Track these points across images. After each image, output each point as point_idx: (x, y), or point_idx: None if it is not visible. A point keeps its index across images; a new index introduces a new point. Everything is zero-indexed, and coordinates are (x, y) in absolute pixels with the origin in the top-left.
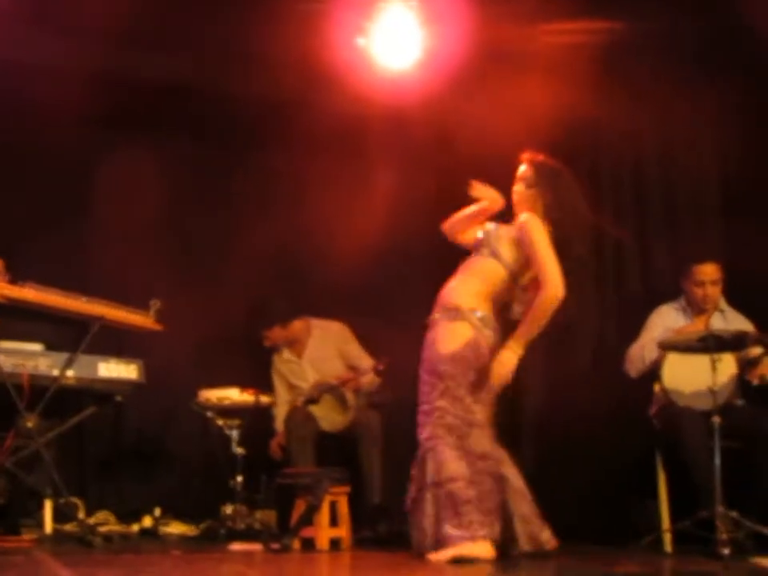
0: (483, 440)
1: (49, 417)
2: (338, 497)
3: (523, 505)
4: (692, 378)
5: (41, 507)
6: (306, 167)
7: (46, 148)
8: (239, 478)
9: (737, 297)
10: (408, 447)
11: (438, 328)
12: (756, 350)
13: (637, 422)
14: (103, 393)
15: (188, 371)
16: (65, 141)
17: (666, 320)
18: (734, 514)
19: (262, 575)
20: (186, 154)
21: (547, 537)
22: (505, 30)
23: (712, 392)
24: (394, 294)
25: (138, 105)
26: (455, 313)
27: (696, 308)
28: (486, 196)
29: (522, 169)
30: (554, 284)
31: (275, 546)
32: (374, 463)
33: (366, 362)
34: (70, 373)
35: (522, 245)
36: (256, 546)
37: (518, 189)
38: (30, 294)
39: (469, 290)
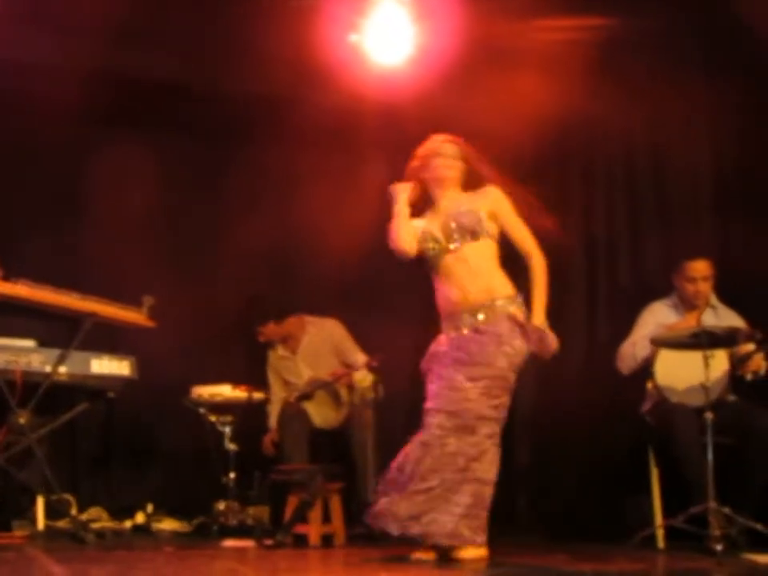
0: None
1: (41, 413)
2: (331, 493)
3: None
4: (684, 374)
5: (33, 504)
6: (298, 163)
7: (39, 145)
8: (232, 475)
9: (727, 293)
10: (402, 444)
11: (494, 327)
12: (748, 346)
13: (629, 419)
14: (96, 389)
15: (180, 367)
16: (57, 138)
17: (658, 317)
18: (726, 510)
19: (254, 571)
20: (178, 151)
21: None
22: (497, 27)
23: (704, 388)
24: (387, 290)
25: (129, 102)
26: (503, 304)
27: (687, 304)
28: (400, 189)
29: (445, 145)
30: (538, 249)
31: (268, 542)
32: (367, 459)
33: (359, 358)
34: (62, 369)
35: (498, 216)
36: (249, 543)
37: (447, 162)
38: (23, 290)
39: (494, 277)
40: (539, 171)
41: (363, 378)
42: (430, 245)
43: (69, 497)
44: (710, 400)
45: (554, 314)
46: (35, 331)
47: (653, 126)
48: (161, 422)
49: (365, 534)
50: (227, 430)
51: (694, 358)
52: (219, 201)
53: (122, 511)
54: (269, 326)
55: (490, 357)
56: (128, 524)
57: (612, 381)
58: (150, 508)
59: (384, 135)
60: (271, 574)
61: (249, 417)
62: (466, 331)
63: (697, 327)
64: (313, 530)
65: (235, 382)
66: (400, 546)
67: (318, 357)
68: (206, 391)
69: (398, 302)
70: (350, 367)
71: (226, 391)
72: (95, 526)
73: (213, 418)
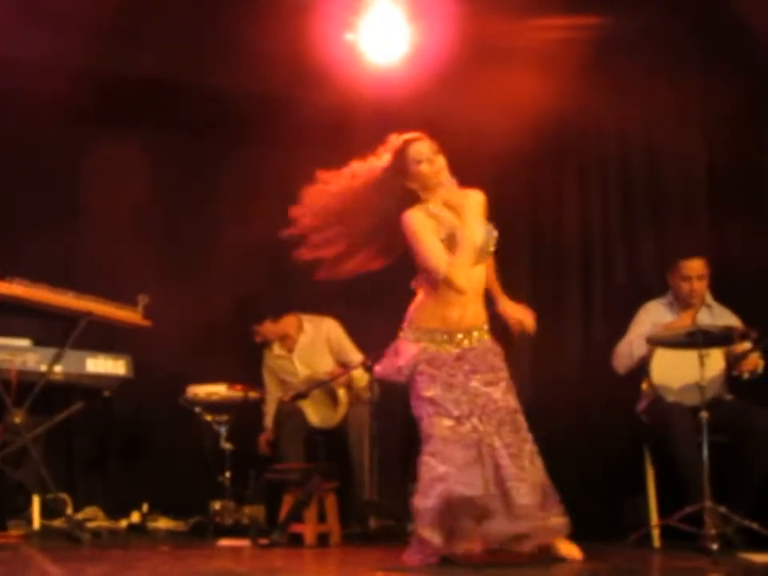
0: None
1: (37, 412)
2: (327, 492)
3: None
4: (680, 373)
5: (29, 503)
6: (294, 161)
7: (35, 144)
8: (228, 474)
9: (722, 291)
10: (397, 443)
11: (482, 343)
12: (744, 345)
13: (625, 418)
14: (91, 388)
15: (176, 367)
16: (53, 137)
17: (654, 316)
18: (722, 509)
19: (250, 571)
20: (174, 149)
21: None
22: (493, 26)
23: (700, 387)
24: (383, 289)
25: (125, 101)
26: (486, 328)
27: (683, 303)
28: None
29: (428, 144)
30: None
31: (263, 541)
32: (363, 459)
33: (356, 357)
34: (58, 368)
35: None
36: (244, 542)
37: (440, 160)
38: (18, 289)
39: (483, 301)
40: (534, 170)
41: (360, 378)
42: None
43: (64, 496)
44: (705, 399)
45: (550, 314)
46: (31, 330)
47: (648, 125)
48: (156, 421)
49: (360, 533)
50: (223, 429)
51: (690, 356)
52: (215, 200)
53: (117, 510)
54: (265, 325)
55: (495, 362)
56: (124, 523)
57: (607, 380)
58: (145, 507)
59: (380, 134)
60: (267, 573)
61: (245, 416)
62: (455, 349)
63: (692, 326)
64: (308, 530)
65: (231, 381)
66: (398, 546)
67: (315, 356)
68: (201, 390)
69: (393, 301)
70: (346, 366)
71: (221, 390)
72: (91, 525)
73: (208, 418)
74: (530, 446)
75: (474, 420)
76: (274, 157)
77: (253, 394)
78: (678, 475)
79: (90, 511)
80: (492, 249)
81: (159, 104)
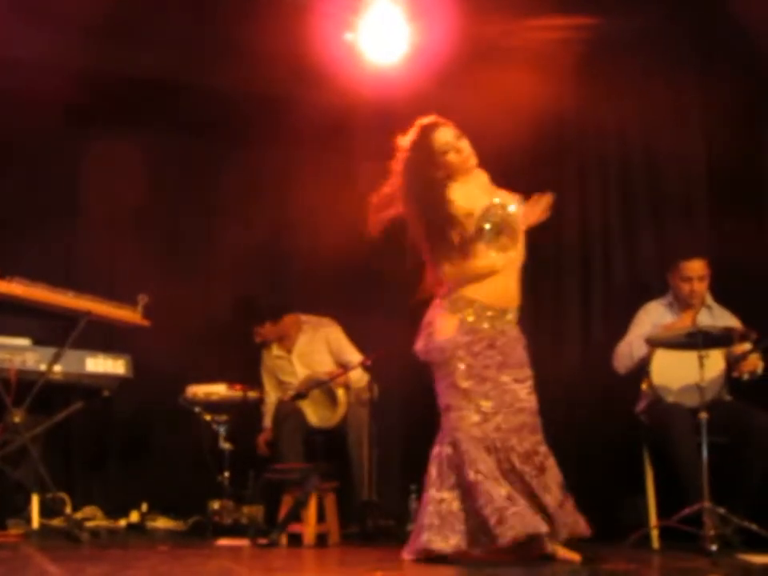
0: None
1: (36, 412)
2: (326, 492)
3: None
4: (680, 374)
5: (28, 502)
6: (293, 161)
7: (33, 143)
8: (227, 474)
9: (722, 292)
10: (396, 443)
11: (511, 330)
12: (744, 346)
13: (624, 419)
14: (91, 388)
15: (175, 366)
16: (52, 136)
17: (653, 316)
18: (721, 509)
19: (249, 570)
20: (173, 149)
21: None
22: (492, 25)
23: (700, 388)
24: (381, 289)
25: (125, 100)
26: (516, 314)
27: (683, 304)
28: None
29: (451, 131)
30: None
31: (262, 541)
32: (362, 459)
33: (355, 357)
34: (57, 368)
35: None
36: (243, 542)
37: (466, 145)
38: (18, 289)
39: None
40: (533, 169)
41: (359, 378)
42: (505, 223)
43: (63, 495)
44: (705, 400)
45: (550, 314)
46: (30, 330)
47: (647, 125)
48: (156, 420)
49: (359, 533)
50: (222, 429)
51: (690, 357)
52: (214, 199)
53: (116, 510)
54: (265, 325)
55: (523, 358)
56: (123, 523)
57: (607, 380)
58: (144, 507)
59: (379, 133)
60: (266, 573)
61: (244, 416)
62: (486, 325)
63: (692, 327)
64: (307, 529)
65: (230, 381)
66: (397, 546)
67: (314, 356)
68: (201, 390)
69: (392, 301)
70: (345, 367)
71: (221, 390)
72: (90, 524)
73: (208, 417)
74: (544, 449)
75: (499, 418)
76: (274, 156)
77: (252, 394)
78: (677, 476)
79: (89, 510)
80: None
81: (159, 104)
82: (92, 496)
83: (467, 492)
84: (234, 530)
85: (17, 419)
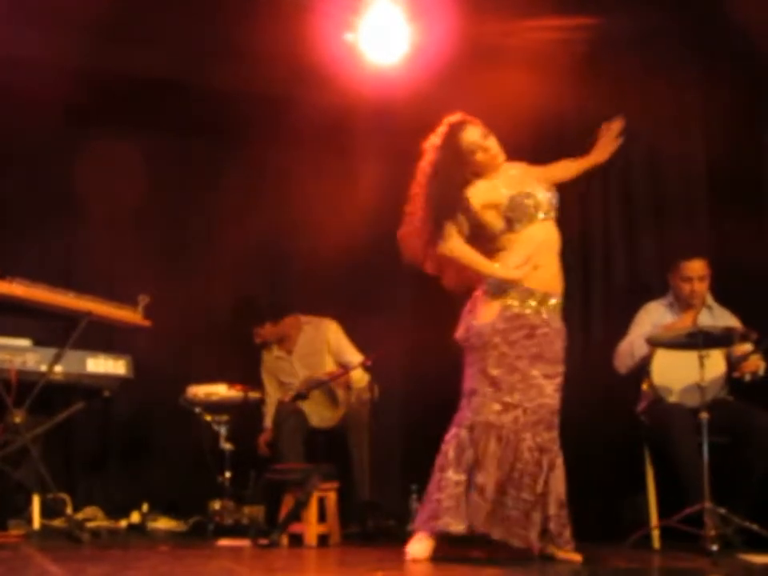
0: None
1: (37, 412)
2: (327, 492)
3: None
4: (681, 374)
5: (29, 503)
6: (293, 162)
7: (33, 143)
8: (227, 474)
9: (722, 292)
10: (397, 443)
11: (555, 321)
12: (745, 346)
13: (625, 419)
14: (91, 388)
15: (176, 367)
16: (52, 136)
17: (654, 316)
18: (722, 510)
19: (249, 571)
20: (173, 149)
21: None
22: (492, 26)
23: (700, 388)
24: (382, 289)
25: (124, 100)
26: (561, 300)
27: (683, 304)
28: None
29: (478, 130)
30: None
31: (263, 541)
32: (363, 459)
33: (355, 357)
34: (58, 368)
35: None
36: (244, 542)
37: (493, 143)
38: (18, 289)
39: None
40: None
41: (360, 378)
42: (532, 211)
43: (64, 496)
44: (705, 400)
45: None
46: (31, 330)
47: (645, 123)
48: (156, 421)
49: (360, 534)
50: (223, 429)
51: (691, 357)
52: (214, 200)
53: (117, 510)
54: (265, 326)
55: (559, 354)
56: (123, 523)
57: (607, 380)
58: (145, 507)
59: (379, 134)
60: (266, 573)
61: (244, 416)
62: (529, 311)
63: (693, 327)
64: (308, 530)
65: (231, 381)
66: (397, 546)
67: (314, 357)
68: (201, 390)
69: (393, 301)
70: (345, 367)
71: (221, 390)
72: (91, 525)
73: (208, 418)
74: (556, 448)
75: (519, 411)
76: (274, 156)
77: (253, 394)
78: (677, 476)
79: (89, 511)
80: (556, 208)
81: (159, 104)
82: (93, 496)
83: (469, 472)
84: (235, 531)
85: (17, 420)
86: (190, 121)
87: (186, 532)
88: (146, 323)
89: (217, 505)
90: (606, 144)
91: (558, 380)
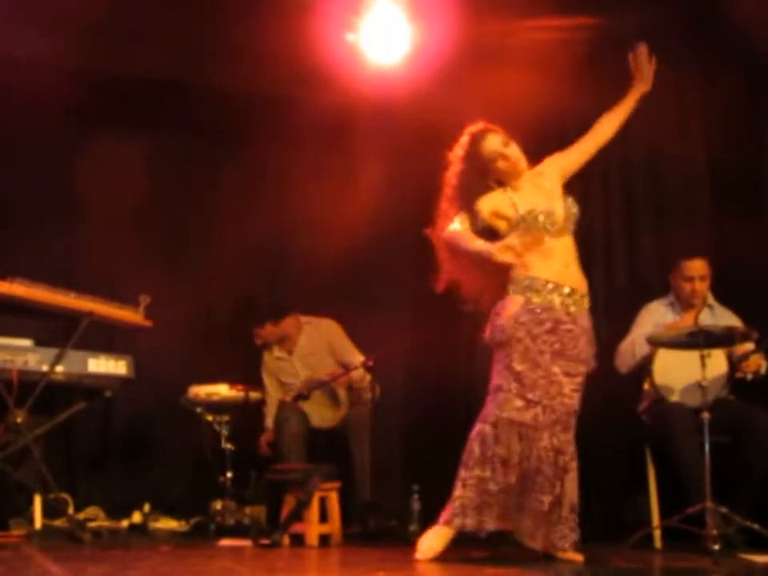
0: None
1: (38, 412)
2: (328, 493)
3: None
4: (682, 373)
5: (30, 503)
6: (294, 162)
7: (33, 143)
8: (229, 474)
9: (723, 292)
10: (398, 443)
11: (582, 318)
12: (746, 346)
13: (626, 418)
14: (92, 388)
15: (177, 367)
16: (52, 136)
17: (655, 316)
18: (723, 509)
19: (251, 571)
20: (173, 149)
21: None
22: (493, 26)
23: (702, 388)
24: (382, 289)
25: (124, 100)
26: (587, 299)
27: (684, 304)
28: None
29: (499, 138)
30: None
31: (265, 541)
32: (364, 459)
33: (356, 358)
34: (59, 368)
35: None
36: (245, 542)
37: (514, 150)
38: (19, 289)
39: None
40: None
41: (361, 379)
42: (547, 225)
43: (66, 496)
44: (707, 399)
45: None
46: (32, 330)
47: (648, 125)
48: (157, 421)
49: (361, 534)
50: (224, 429)
51: (692, 357)
52: (214, 200)
53: (118, 510)
54: (266, 327)
55: (582, 352)
56: (125, 523)
57: (608, 380)
58: (146, 507)
59: (380, 134)
60: (268, 573)
61: (246, 416)
62: (553, 305)
63: (694, 327)
64: (310, 530)
65: (232, 381)
66: (399, 546)
67: (315, 357)
68: (202, 390)
69: (393, 301)
70: (346, 367)
71: (222, 390)
72: (92, 525)
73: (210, 418)
74: (572, 450)
75: (539, 409)
76: (275, 157)
77: (254, 395)
78: (679, 476)
79: (91, 511)
80: (574, 221)
81: (159, 104)
82: (94, 496)
83: (492, 468)
84: (236, 531)
85: (19, 420)
86: (190, 121)
87: (187, 532)
88: (147, 323)
89: (218, 505)
90: (642, 70)
91: (578, 379)
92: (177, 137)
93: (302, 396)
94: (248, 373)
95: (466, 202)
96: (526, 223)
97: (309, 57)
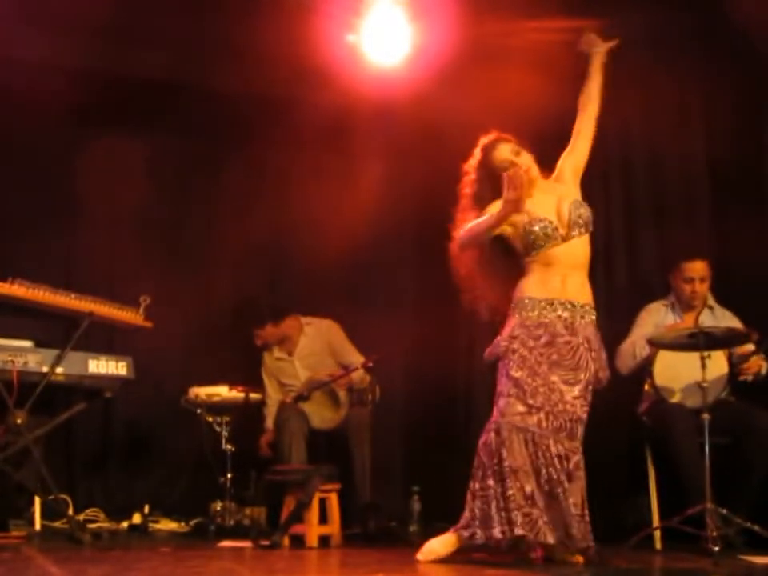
0: None
1: (38, 413)
2: (328, 494)
3: None
4: (682, 374)
5: (30, 504)
6: (295, 162)
7: (33, 143)
8: (229, 475)
9: (723, 293)
10: (398, 444)
11: (582, 329)
12: (747, 347)
13: (626, 419)
14: (93, 389)
15: (177, 368)
16: (52, 136)
17: (655, 317)
18: (723, 510)
19: (251, 572)
20: (174, 149)
21: None
22: (493, 26)
23: (702, 389)
24: (382, 289)
25: (125, 100)
26: (590, 309)
27: (684, 305)
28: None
29: (509, 147)
30: None
31: (265, 542)
32: (364, 460)
33: (356, 358)
34: (59, 369)
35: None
36: (245, 543)
37: (526, 158)
38: (19, 290)
39: (587, 277)
40: None
41: (361, 379)
42: (549, 233)
43: (65, 497)
44: (707, 401)
45: None
46: (32, 331)
47: (649, 125)
48: (158, 422)
49: (362, 535)
50: (224, 430)
51: (693, 358)
52: (215, 200)
53: (118, 511)
54: (266, 328)
55: (582, 360)
56: (125, 524)
57: (609, 381)
58: (146, 508)
59: (381, 134)
60: (268, 574)
61: (246, 417)
62: (549, 320)
63: (694, 328)
64: (310, 531)
65: (232, 382)
66: (399, 547)
67: (315, 358)
68: (203, 391)
69: (393, 302)
70: (346, 368)
71: (223, 391)
72: (92, 526)
73: (210, 419)
74: (577, 458)
75: (542, 415)
76: (275, 157)
77: (254, 395)
78: (679, 477)
79: (91, 512)
80: (583, 223)
81: (159, 104)
82: (94, 498)
83: (501, 477)
84: (237, 532)
85: (19, 421)
86: (190, 121)
87: (187, 533)
88: (147, 324)
89: (218, 506)
90: (594, 44)
91: (579, 387)
92: (177, 137)
93: (302, 397)
94: (248, 374)
95: (480, 210)
96: (524, 235)
97: (309, 57)
